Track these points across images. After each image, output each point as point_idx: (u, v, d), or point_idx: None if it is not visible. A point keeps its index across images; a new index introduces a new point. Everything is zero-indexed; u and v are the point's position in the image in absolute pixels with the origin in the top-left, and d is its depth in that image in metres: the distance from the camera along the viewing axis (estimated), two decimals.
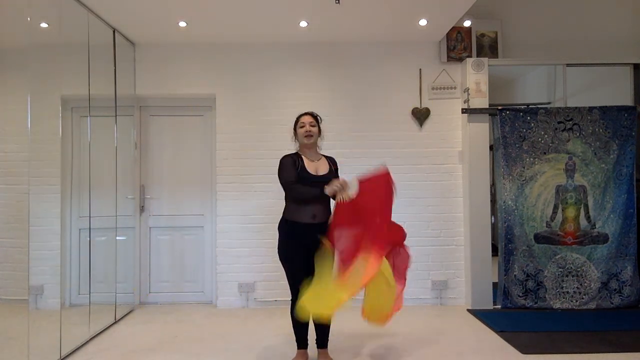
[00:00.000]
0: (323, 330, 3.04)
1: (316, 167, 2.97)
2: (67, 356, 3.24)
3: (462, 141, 4.52)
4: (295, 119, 3.08)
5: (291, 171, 2.91)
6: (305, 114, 3.06)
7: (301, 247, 2.91)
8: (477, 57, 4.50)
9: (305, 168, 2.94)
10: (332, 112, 4.37)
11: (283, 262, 3.00)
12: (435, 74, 4.57)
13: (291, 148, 3.16)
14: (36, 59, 3.09)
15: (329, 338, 3.08)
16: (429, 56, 4.59)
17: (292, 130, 3.08)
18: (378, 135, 4.53)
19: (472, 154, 4.38)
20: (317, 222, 2.89)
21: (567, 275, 4.28)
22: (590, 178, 4.30)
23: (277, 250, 3.02)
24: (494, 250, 4.42)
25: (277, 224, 3.05)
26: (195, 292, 4.66)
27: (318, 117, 3.08)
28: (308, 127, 2.98)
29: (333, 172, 3.01)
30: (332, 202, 3.00)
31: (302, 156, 3.01)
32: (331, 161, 3.08)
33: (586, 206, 4.30)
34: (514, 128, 4.32)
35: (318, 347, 3.06)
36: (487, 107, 4.37)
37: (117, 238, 4.16)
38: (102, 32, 3.97)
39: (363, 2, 3.68)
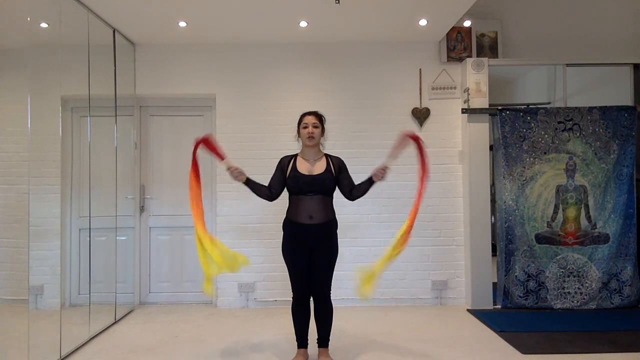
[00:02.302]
0: (324, 329, 3.03)
1: (311, 167, 2.94)
2: (67, 356, 3.23)
3: (462, 141, 4.52)
4: (299, 118, 3.04)
5: (275, 175, 3.00)
6: (309, 113, 3.00)
7: (301, 247, 2.92)
8: (477, 57, 4.50)
9: (296, 167, 2.93)
10: (332, 112, 4.36)
11: (285, 261, 3.01)
12: (435, 74, 4.56)
13: (292, 147, 3.15)
14: (36, 59, 3.09)
15: (330, 337, 3.08)
16: (429, 56, 4.58)
17: (296, 129, 3.05)
18: (378, 135, 4.52)
19: (472, 154, 4.38)
20: (315, 222, 2.88)
21: (568, 276, 4.28)
22: (591, 178, 4.29)
23: (280, 249, 3.05)
24: (494, 250, 4.42)
25: (278, 224, 3.09)
26: (195, 292, 4.65)
27: (322, 117, 3.03)
28: (311, 128, 2.94)
29: (331, 171, 2.94)
30: (334, 204, 3.00)
31: (299, 156, 3.01)
32: (333, 160, 3.00)
33: (587, 206, 4.30)
34: (514, 128, 4.32)
35: (319, 346, 3.05)
36: (487, 107, 4.37)
37: (117, 238, 4.16)
38: (102, 32, 3.97)
39: (363, 2, 3.68)
